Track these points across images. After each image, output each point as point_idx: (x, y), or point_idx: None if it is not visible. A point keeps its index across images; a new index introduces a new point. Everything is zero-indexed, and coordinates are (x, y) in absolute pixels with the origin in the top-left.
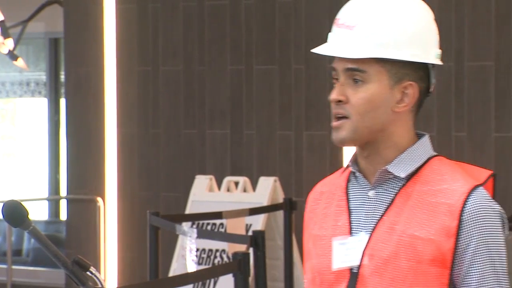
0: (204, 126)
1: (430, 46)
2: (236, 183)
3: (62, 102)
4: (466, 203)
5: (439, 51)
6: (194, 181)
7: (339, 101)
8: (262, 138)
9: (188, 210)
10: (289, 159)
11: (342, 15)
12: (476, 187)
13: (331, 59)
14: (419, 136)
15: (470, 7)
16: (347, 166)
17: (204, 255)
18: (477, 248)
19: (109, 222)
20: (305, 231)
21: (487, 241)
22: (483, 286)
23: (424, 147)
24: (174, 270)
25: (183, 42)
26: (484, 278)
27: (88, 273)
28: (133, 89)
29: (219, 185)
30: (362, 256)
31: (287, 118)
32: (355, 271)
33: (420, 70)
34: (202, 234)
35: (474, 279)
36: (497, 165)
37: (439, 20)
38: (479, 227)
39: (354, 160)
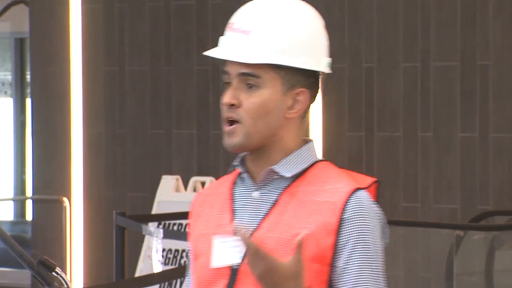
0: (170, 126)
1: (321, 54)
2: (203, 183)
3: (28, 102)
4: (348, 201)
5: (329, 60)
6: (161, 181)
7: (232, 104)
8: None
9: (154, 210)
10: None
11: (237, 19)
12: (359, 188)
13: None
14: (305, 142)
15: (436, 7)
16: (234, 168)
17: (171, 255)
18: (355, 246)
19: (75, 223)
20: (190, 235)
21: (366, 240)
22: (359, 283)
23: (310, 151)
24: (141, 270)
25: (149, 42)
26: (361, 275)
27: (54, 273)
28: (100, 89)
29: (185, 185)
30: (245, 254)
31: None
32: (235, 268)
33: (311, 77)
34: (168, 234)
35: (352, 275)
36: (463, 165)
37: (405, 20)
38: (359, 225)
39: (241, 161)
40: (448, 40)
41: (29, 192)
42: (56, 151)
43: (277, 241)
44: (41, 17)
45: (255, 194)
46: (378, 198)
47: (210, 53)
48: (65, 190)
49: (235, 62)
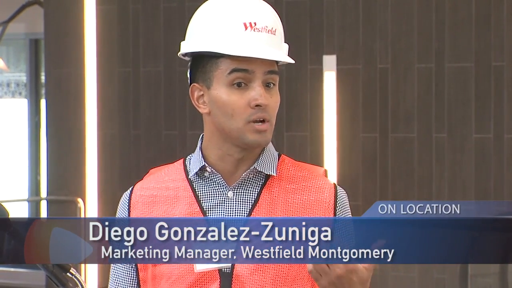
0: (185, 127)
1: None
2: None
3: (43, 103)
4: (337, 198)
5: None
6: None
7: (266, 105)
8: None
9: None
10: None
11: (258, 19)
12: (334, 183)
13: (310, 61)
14: None
15: (450, 8)
16: (205, 170)
17: None
18: (349, 237)
19: None
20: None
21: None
22: None
23: (271, 145)
24: None
25: (163, 43)
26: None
27: (68, 274)
28: (114, 90)
29: None
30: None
31: None
32: (227, 271)
33: None
34: None
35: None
36: (477, 166)
37: (419, 22)
38: (347, 218)
39: (204, 161)
40: (463, 41)
41: (43, 193)
42: (71, 152)
43: None
44: (56, 18)
45: (230, 194)
46: None
47: (251, 53)
48: (80, 191)
49: (262, 61)
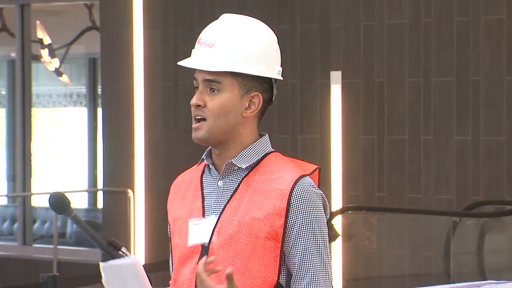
0: None
1: (273, 64)
2: None
3: (99, 111)
4: (294, 188)
5: (280, 68)
6: None
7: (198, 105)
8: None
9: None
10: None
11: (204, 35)
12: (302, 176)
13: (320, 76)
14: (261, 136)
15: (436, 32)
16: (203, 160)
17: None
18: (302, 224)
19: (138, 210)
20: (168, 215)
21: (311, 218)
22: (306, 255)
23: (263, 144)
24: None
25: None
26: (307, 248)
27: (120, 252)
28: (158, 100)
29: None
30: (212, 234)
31: (284, 124)
32: (206, 246)
33: (265, 83)
34: None
35: (300, 249)
36: (458, 163)
37: (410, 43)
38: (304, 207)
39: (209, 155)
40: (446, 60)
41: (100, 184)
42: (122, 151)
43: (239, 223)
44: (110, 41)
45: (220, 183)
46: (320, 181)
47: (182, 63)
48: (130, 183)
49: (202, 70)
